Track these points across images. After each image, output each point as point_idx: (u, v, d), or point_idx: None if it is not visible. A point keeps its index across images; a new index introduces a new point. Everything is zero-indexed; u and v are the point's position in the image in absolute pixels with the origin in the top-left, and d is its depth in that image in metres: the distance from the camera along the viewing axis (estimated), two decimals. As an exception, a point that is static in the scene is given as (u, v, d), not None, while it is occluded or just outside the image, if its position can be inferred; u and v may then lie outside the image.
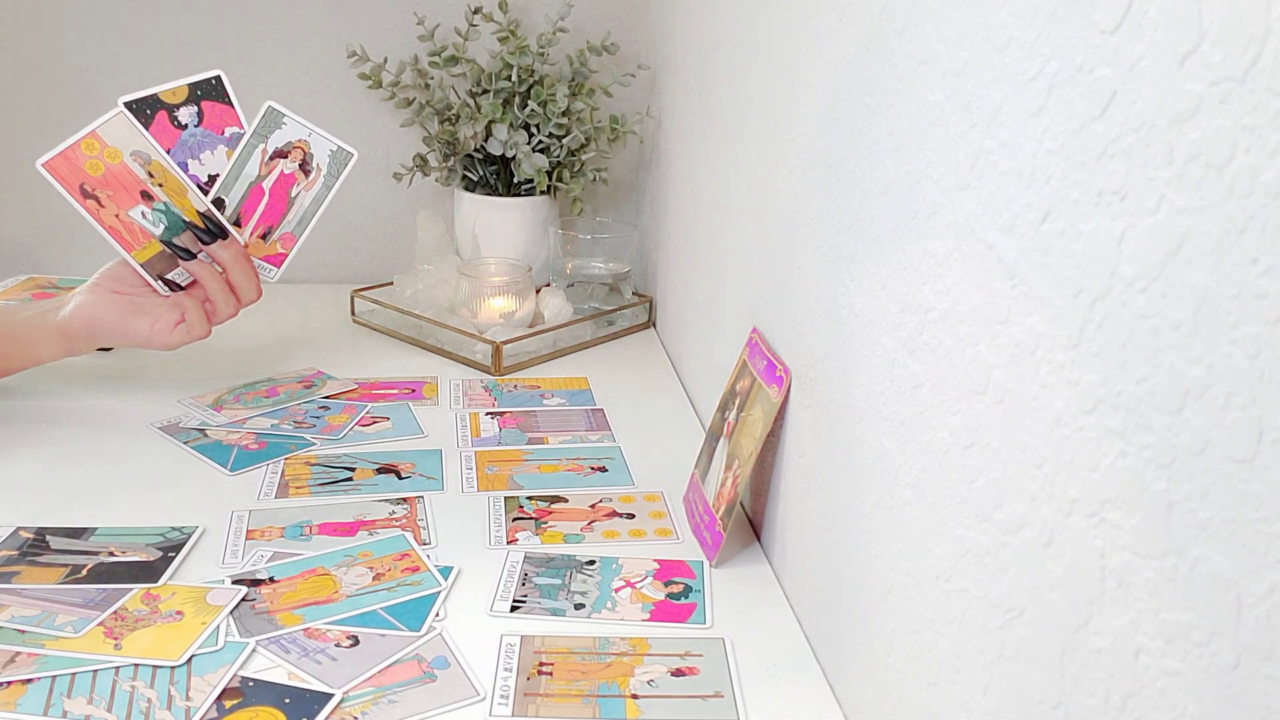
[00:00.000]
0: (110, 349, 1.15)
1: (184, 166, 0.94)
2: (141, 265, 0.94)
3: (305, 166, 0.98)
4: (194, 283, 0.95)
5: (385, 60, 1.30)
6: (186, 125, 0.93)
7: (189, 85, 0.93)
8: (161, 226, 0.93)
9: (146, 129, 0.91)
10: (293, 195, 0.98)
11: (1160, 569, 0.35)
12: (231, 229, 0.95)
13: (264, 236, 0.98)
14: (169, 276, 0.95)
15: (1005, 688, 0.45)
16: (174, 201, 0.93)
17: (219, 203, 0.96)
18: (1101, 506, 0.38)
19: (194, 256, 0.94)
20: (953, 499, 0.49)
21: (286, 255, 1.00)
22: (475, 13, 1.28)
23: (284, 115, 0.97)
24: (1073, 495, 0.40)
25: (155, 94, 0.92)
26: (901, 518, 0.55)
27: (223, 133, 0.95)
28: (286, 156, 0.97)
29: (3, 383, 1.04)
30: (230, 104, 0.95)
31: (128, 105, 0.91)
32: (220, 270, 0.95)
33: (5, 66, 1.30)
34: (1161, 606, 0.35)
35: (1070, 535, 0.40)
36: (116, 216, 0.92)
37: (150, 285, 0.95)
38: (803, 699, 0.65)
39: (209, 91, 0.94)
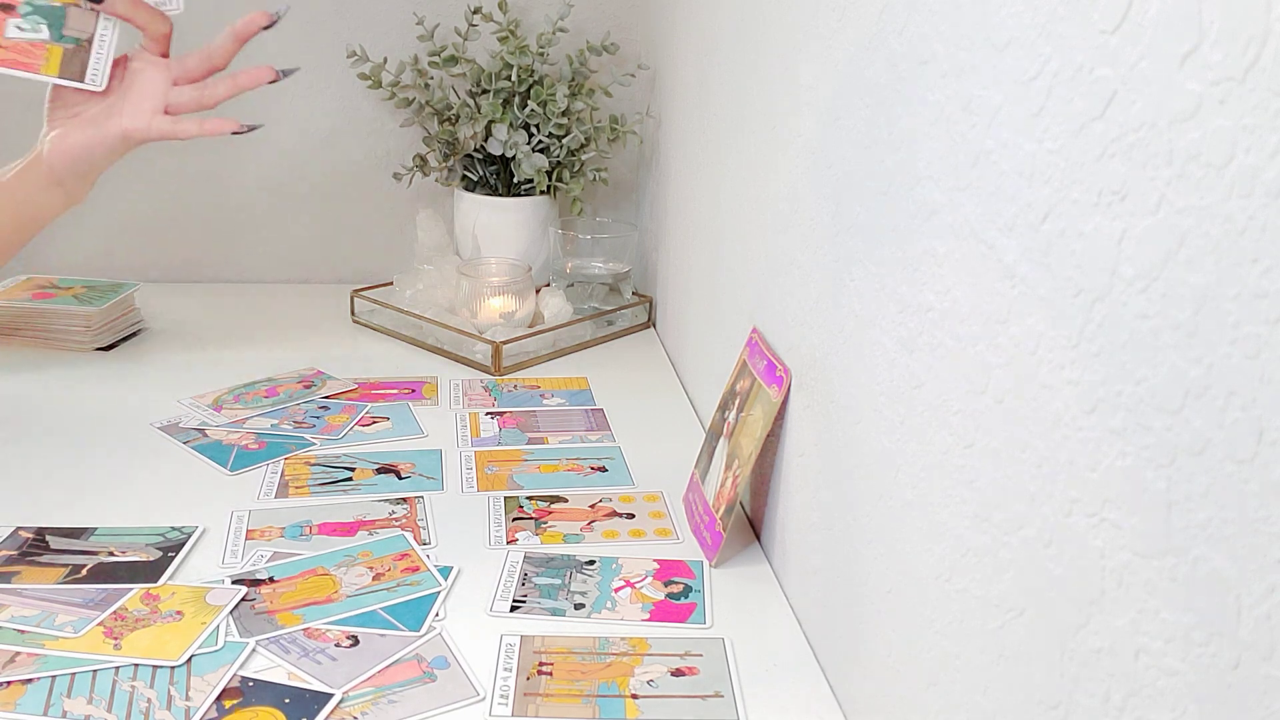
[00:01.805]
0: (111, 347, 1.15)
1: None
2: (59, 77, 0.86)
3: None
4: (119, 61, 0.89)
5: (385, 60, 1.30)
6: None
7: None
8: (44, 27, 0.85)
9: None
10: None
11: (1160, 569, 0.35)
12: None
13: None
14: (92, 70, 0.87)
15: (1005, 688, 0.45)
16: None
17: None
18: (1101, 506, 0.38)
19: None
20: (953, 499, 0.49)
21: None
22: (475, 13, 1.28)
23: None
24: (1073, 495, 0.40)
25: None
26: (901, 518, 0.55)
27: None
28: None
29: (2, 381, 1.04)
30: None
31: None
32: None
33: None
34: (1161, 606, 0.35)
35: (1070, 535, 0.40)
36: (3, 48, 0.84)
37: (86, 90, 0.87)
38: (803, 699, 0.65)
39: None
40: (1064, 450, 0.40)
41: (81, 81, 0.87)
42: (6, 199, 0.88)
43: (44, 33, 0.85)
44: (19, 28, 0.84)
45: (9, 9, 0.83)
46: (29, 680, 0.62)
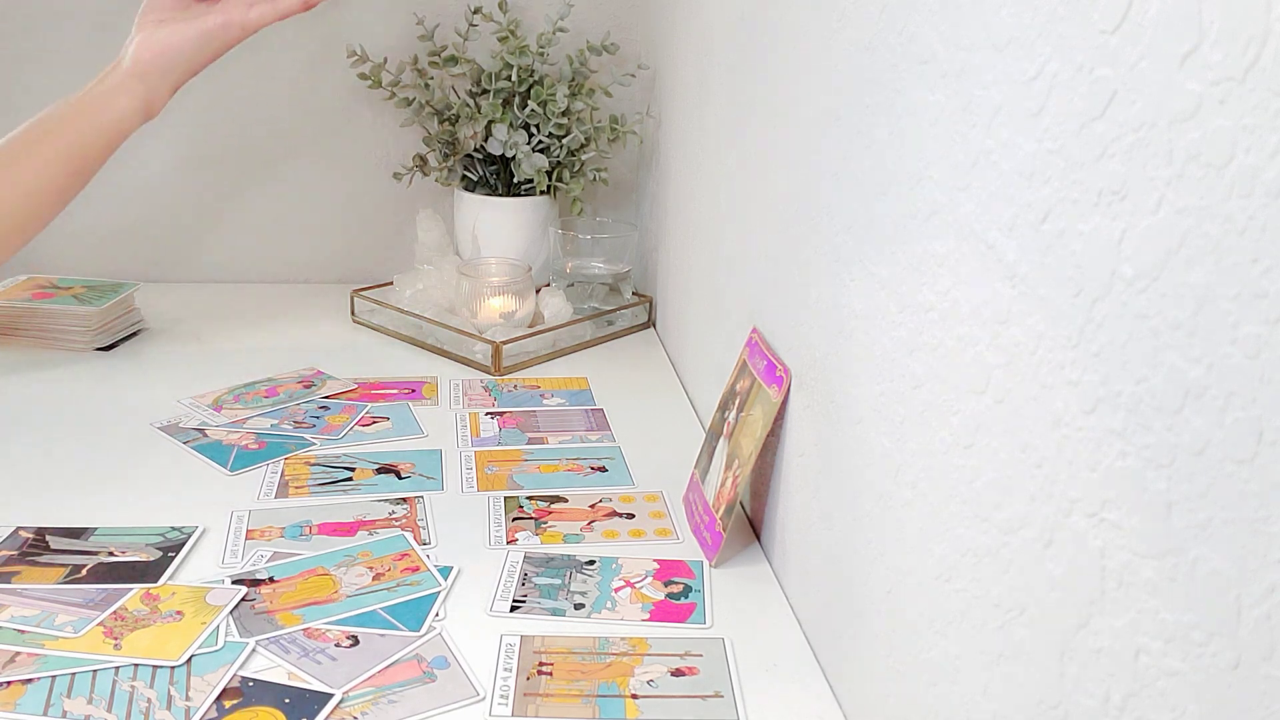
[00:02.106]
0: (111, 347, 1.15)
1: None
2: None
3: None
4: None
5: (385, 60, 1.29)
6: None
7: None
8: None
9: None
10: None
11: (1160, 569, 0.35)
12: None
13: None
14: None
15: (1005, 688, 0.45)
16: None
17: None
18: (1101, 506, 0.38)
19: None
20: (953, 499, 0.49)
21: None
22: (475, 13, 1.28)
23: None
24: (1073, 495, 0.40)
25: None
26: (901, 518, 0.55)
27: None
28: None
29: (2, 381, 1.04)
30: None
31: None
32: None
33: (4, 69, 1.30)
34: (1161, 606, 0.35)
35: (1070, 535, 0.40)
36: None
37: None
38: (803, 699, 0.65)
39: None
40: (1064, 450, 0.40)
41: None
42: (90, 111, 0.86)
43: None
44: None
45: None
46: (29, 680, 0.62)
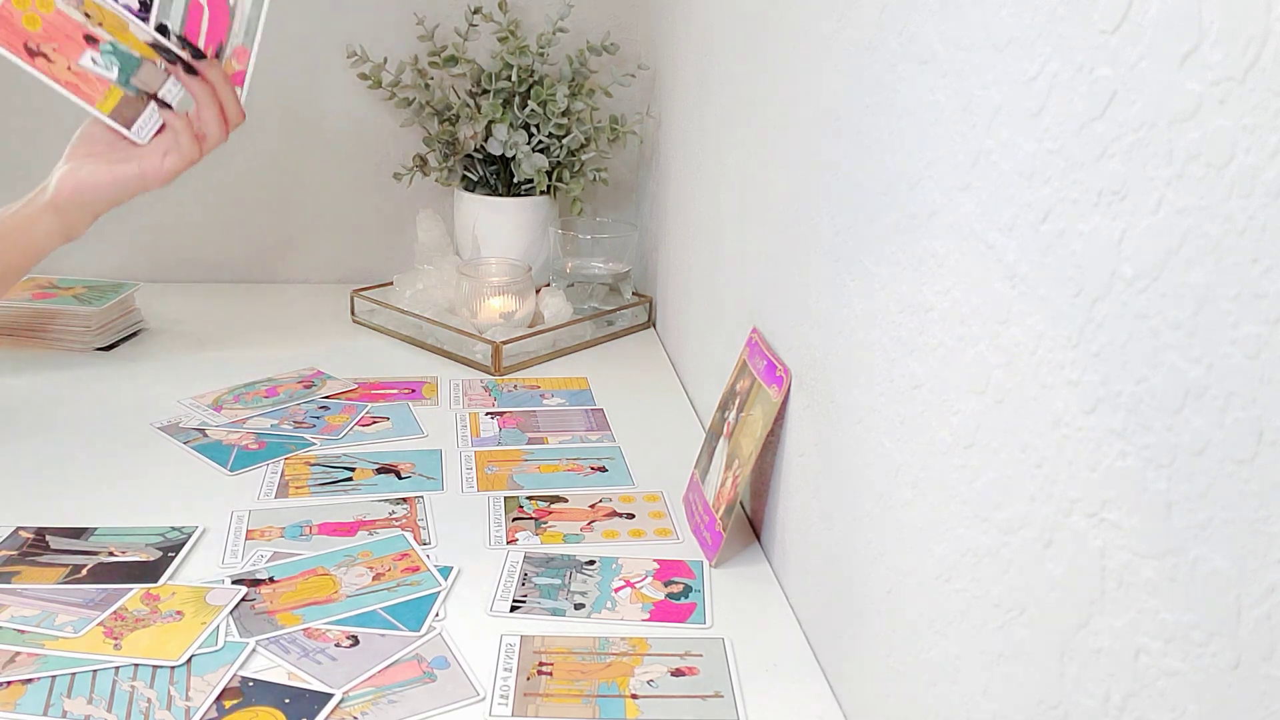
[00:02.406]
0: (111, 347, 1.15)
1: None
2: (109, 116, 0.89)
3: None
4: (165, 127, 0.91)
5: (385, 60, 1.30)
6: None
7: None
8: (115, 69, 0.88)
9: None
10: (231, 3, 0.92)
11: (1160, 569, 0.35)
12: (182, 54, 0.89)
13: (216, 55, 0.92)
14: (140, 123, 0.90)
15: (1005, 688, 0.45)
16: (119, 39, 0.88)
17: (162, 29, 0.89)
18: (1101, 506, 0.38)
19: (168, 106, 0.90)
20: (953, 499, 0.49)
21: (245, 72, 0.94)
22: (475, 13, 1.28)
23: None
24: (1073, 495, 0.40)
25: None
26: (901, 518, 0.55)
27: None
28: None
29: (2, 381, 1.04)
30: None
31: None
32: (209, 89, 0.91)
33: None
34: (1161, 606, 0.35)
35: (1070, 535, 0.40)
36: (69, 69, 0.87)
37: (123, 135, 0.90)
38: (803, 699, 0.65)
39: None
40: (1064, 450, 0.40)
41: (128, 130, 0.90)
42: (9, 225, 0.90)
43: (114, 74, 0.88)
44: (94, 60, 0.88)
45: (93, 42, 0.87)
46: (29, 680, 0.62)
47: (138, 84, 0.89)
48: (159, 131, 0.91)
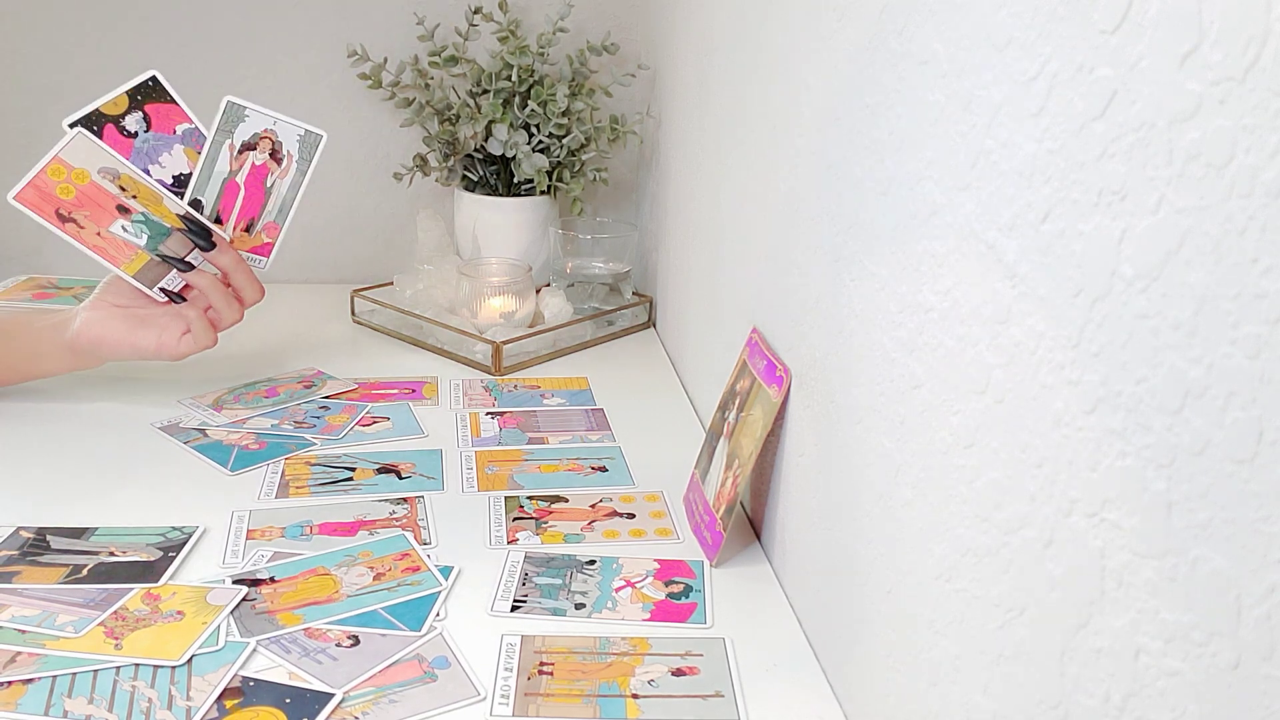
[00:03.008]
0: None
1: (145, 173, 0.94)
2: (134, 277, 0.94)
3: (276, 155, 0.97)
4: (189, 286, 0.97)
5: (385, 60, 1.30)
6: (136, 133, 0.93)
7: (127, 93, 0.93)
8: (145, 236, 0.93)
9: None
10: (268, 185, 0.98)
11: (1160, 569, 0.35)
12: (214, 228, 0.95)
13: (247, 229, 0.98)
14: (163, 285, 0.96)
15: (1005, 688, 0.45)
16: (151, 210, 0.93)
17: (196, 204, 0.96)
18: (1101, 506, 0.38)
19: (191, 267, 0.95)
20: (953, 499, 0.49)
21: (273, 244, 1.00)
22: (475, 13, 1.28)
23: (245, 108, 0.96)
24: (1073, 495, 0.40)
25: (96, 109, 0.92)
26: (901, 518, 0.55)
27: (174, 132, 0.95)
28: (255, 149, 0.97)
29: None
30: (174, 102, 0.94)
31: (73, 125, 0.91)
32: (219, 275, 0.96)
33: (2, 65, 1.30)
34: (1161, 606, 0.35)
35: (1070, 535, 0.40)
36: (99, 234, 0.92)
37: (147, 295, 0.96)
38: (803, 699, 0.65)
39: (149, 94, 0.94)
40: (1064, 450, 0.40)
41: (149, 289, 0.96)
42: (23, 357, 0.96)
43: (142, 240, 0.94)
44: (124, 228, 0.93)
45: (125, 212, 0.92)
46: (29, 680, 0.62)
47: (166, 251, 0.94)
48: (183, 288, 0.96)
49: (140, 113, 0.93)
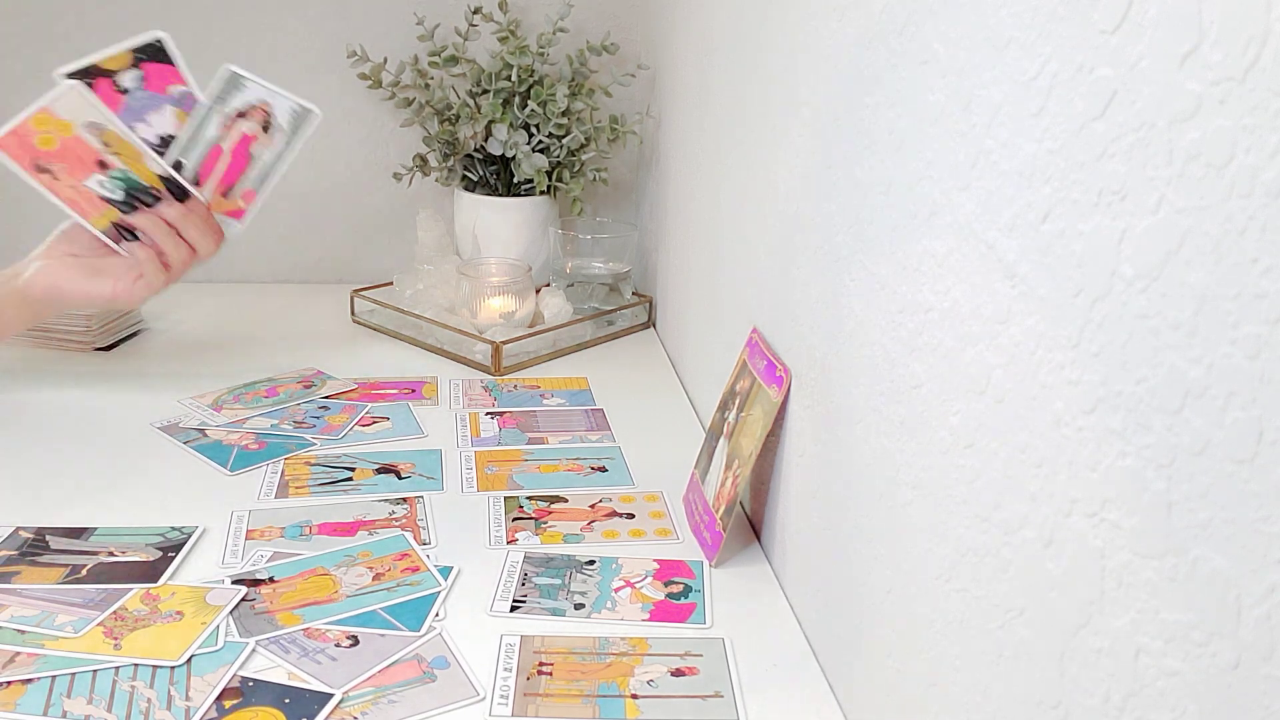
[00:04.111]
0: (111, 347, 1.15)
1: (131, 130, 0.92)
2: (99, 230, 0.93)
3: (267, 128, 0.97)
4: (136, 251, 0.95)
5: (385, 60, 1.30)
6: (129, 90, 0.93)
7: (130, 50, 0.93)
8: (120, 193, 0.92)
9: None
10: (253, 152, 0.97)
11: (1160, 569, 0.35)
12: (192, 189, 0.94)
13: (225, 194, 0.97)
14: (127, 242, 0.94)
15: (1005, 688, 0.45)
16: (131, 168, 0.92)
17: (178, 165, 0.95)
18: (1101, 506, 0.38)
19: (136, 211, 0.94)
20: (953, 499, 0.49)
21: (246, 210, 0.99)
22: (475, 13, 1.28)
23: (244, 78, 0.96)
24: (1073, 495, 0.40)
25: (95, 63, 0.91)
26: (901, 518, 0.55)
27: (165, 92, 0.94)
28: (247, 117, 0.96)
29: (2, 381, 1.04)
30: (173, 64, 0.94)
31: (71, 76, 0.90)
32: (170, 227, 0.94)
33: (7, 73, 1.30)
34: (1161, 606, 0.35)
35: (1070, 535, 0.40)
36: (73, 187, 0.91)
37: (110, 247, 0.94)
38: (803, 699, 0.65)
39: (152, 54, 0.93)
40: (1064, 450, 0.40)
41: (116, 244, 0.94)
42: None
43: (117, 195, 0.93)
44: (100, 183, 0.92)
45: (104, 167, 0.92)
46: (29, 680, 0.62)
47: (135, 206, 0.93)
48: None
49: (138, 71, 0.93)
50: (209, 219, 0.96)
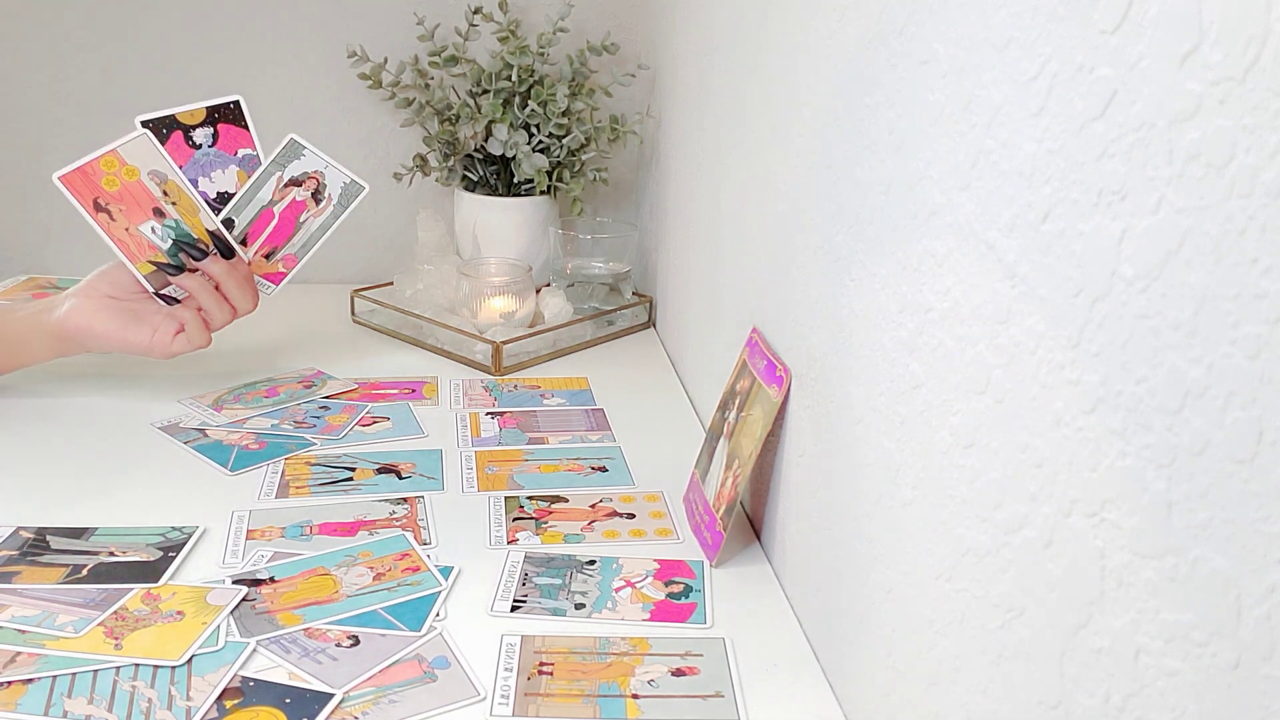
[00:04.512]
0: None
1: (194, 183, 0.96)
2: (143, 275, 0.96)
3: (317, 196, 1.01)
4: (189, 296, 0.98)
5: (385, 60, 1.30)
6: (201, 145, 0.96)
7: (207, 108, 0.96)
8: (169, 242, 0.95)
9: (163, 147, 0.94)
10: (301, 220, 1.01)
11: (1160, 569, 0.35)
12: (239, 249, 0.98)
13: (267, 256, 1.01)
14: (165, 292, 0.97)
15: (1005, 688, 0.45)
16: (185, 219, 0.95)
17: (228, 223, 0.98)
18: (1101, 506, 0.38)
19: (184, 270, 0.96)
20: (953, 499, 0.49)
21: (286, 275, 1.03)
22: (475, 13, 1.28)
23: (304, 147, 1.00)
24: (1073, 495, 0.40)
25: (173, 115, 0.95)
26: (901, 518, 0.55)
27: (235, 153, 0.98)
28: (300, 185, 1.00)
29: (2, 382, 1.04)
30: (246, 128, 0.98)
31: (146, 125, 0.94)
32: (213, 283, 0.97)
33: (5, 66, 1.30)
34: (1161, 606, 0.35)
35: (1070, 535, 0.40)
36: (126, 230, 0.94)
37: (149, 293, 0.97)
38: (803, 699, 0.65)
39: (226, 115, 0.97)
40: (1064, 450, 0.40)
41: (156, 291, 0.97)
42: (6, 344, 0.96)
43: (165, 245, 0.96)
44: (153, 229, 0.95)
45: (160, 215, 0.94)
46: (29, 680, 0.62)
47: (182, 260, 0.96)
48: (179, 300, 0.99)
49: (212, 128, 0.97)
50: (250, 279, 0.99)
